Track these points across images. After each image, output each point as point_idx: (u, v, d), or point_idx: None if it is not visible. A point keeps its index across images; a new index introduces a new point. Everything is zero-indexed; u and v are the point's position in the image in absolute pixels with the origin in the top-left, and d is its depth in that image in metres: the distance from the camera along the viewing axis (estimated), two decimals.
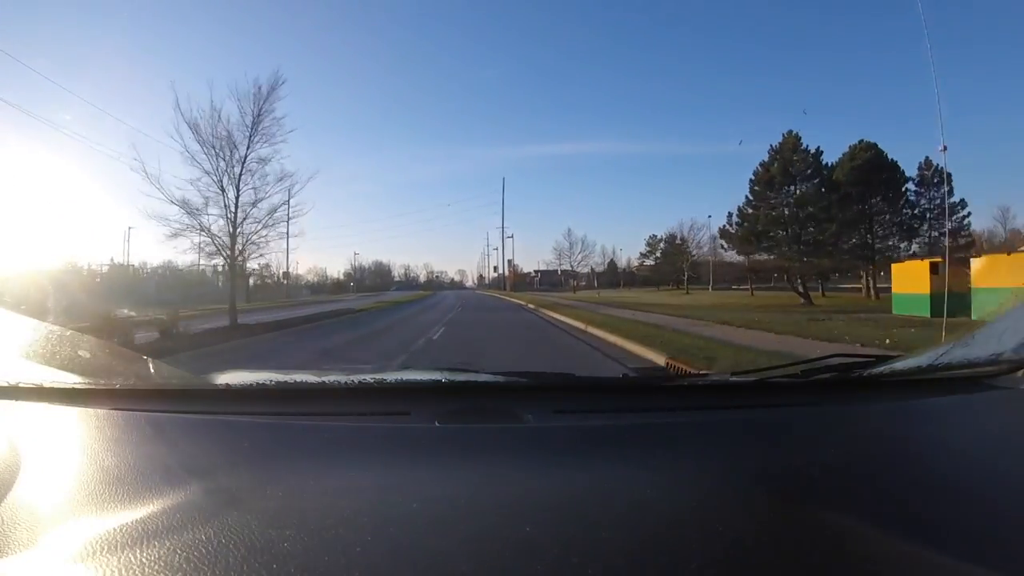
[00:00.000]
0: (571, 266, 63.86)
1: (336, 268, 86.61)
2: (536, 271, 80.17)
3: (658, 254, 63.09)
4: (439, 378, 1.02)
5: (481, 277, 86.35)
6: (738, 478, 0.65)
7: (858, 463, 0.71)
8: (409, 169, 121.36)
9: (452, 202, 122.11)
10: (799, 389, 1.03)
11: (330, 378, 1.08)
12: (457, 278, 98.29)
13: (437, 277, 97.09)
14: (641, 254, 66.88)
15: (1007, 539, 0.53)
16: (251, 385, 1.05)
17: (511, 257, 68.65)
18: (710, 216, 50.51)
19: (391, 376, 1.10)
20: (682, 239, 55.55)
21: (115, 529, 0.54)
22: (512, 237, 68.88)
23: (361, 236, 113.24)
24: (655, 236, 64.33)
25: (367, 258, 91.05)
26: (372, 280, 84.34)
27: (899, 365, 1.02)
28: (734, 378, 1.09)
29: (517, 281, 67.37)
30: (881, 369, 0.99)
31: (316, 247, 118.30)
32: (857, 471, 0.68)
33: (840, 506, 0.58)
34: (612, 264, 72.04)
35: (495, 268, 72.00)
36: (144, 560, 0.48)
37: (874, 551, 0.50)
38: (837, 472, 0.67)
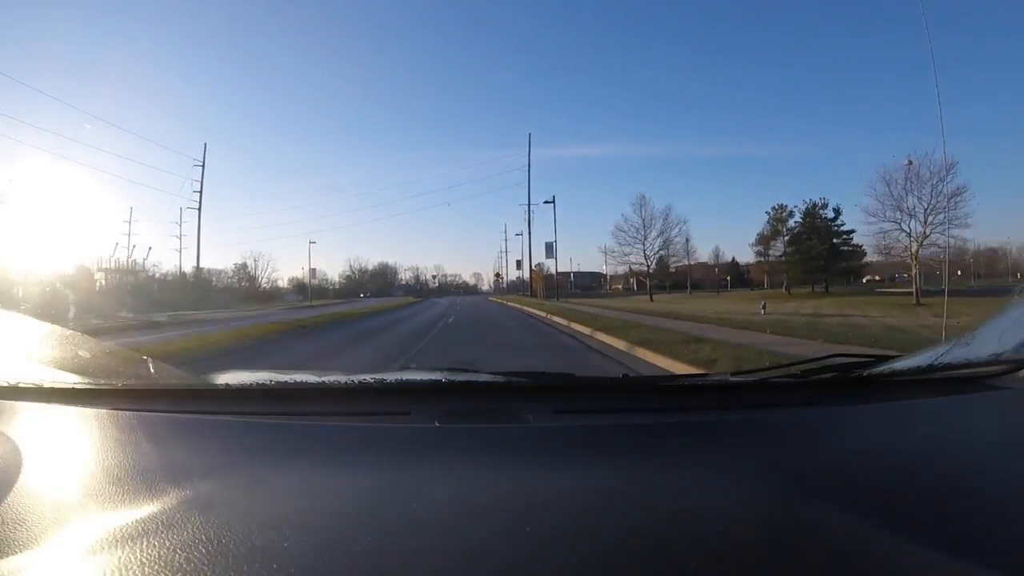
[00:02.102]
0: (645, 256, 39.77)
1: (336, 270, 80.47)
2: (558, 272, 52.62)
3: (785, 236, 39.47)
4: (439, 378, 1.02)
5: (498, 277, 67.53)
6: (738, 478, 0.65)
7: (858, 463, 0.71)
8: (423, 169, 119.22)
9: (453, 202, 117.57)
10: (799, 389, 1.03)
11: (330, 378, 1.08)
12: (472, 281, 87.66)
13: (450, 280, 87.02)
14: (762, 236, 41.37)
15: (1007, 539, 0.53)
16: (251, 385, 1.05)
17: (552, 240, 40.08)
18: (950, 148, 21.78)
19: (391, 376, 1.10)
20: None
21: (115, 529, 0.54)
22: (553, 202, 38.79)
23: (368, 236, 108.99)
24: (783, 206, 40.03)
25: (372, 260, 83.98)
26: (375, 284, 75.89)
27: (899, 365, 1.02)
28: (734, 378, 1.09)
29: (547, 284, 44.43)
30: (881, 369, 0.99)
31: (319, 248, 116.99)
32: (857, 471, 0.68)
33: (840, 506, 0.58)
34: (662, 261, 44.36)
35: (517, 263, 49.30)
36: (144, 560, 0.48)
37: (874, 551, 0.50)
38: (837, 472, 0.67)
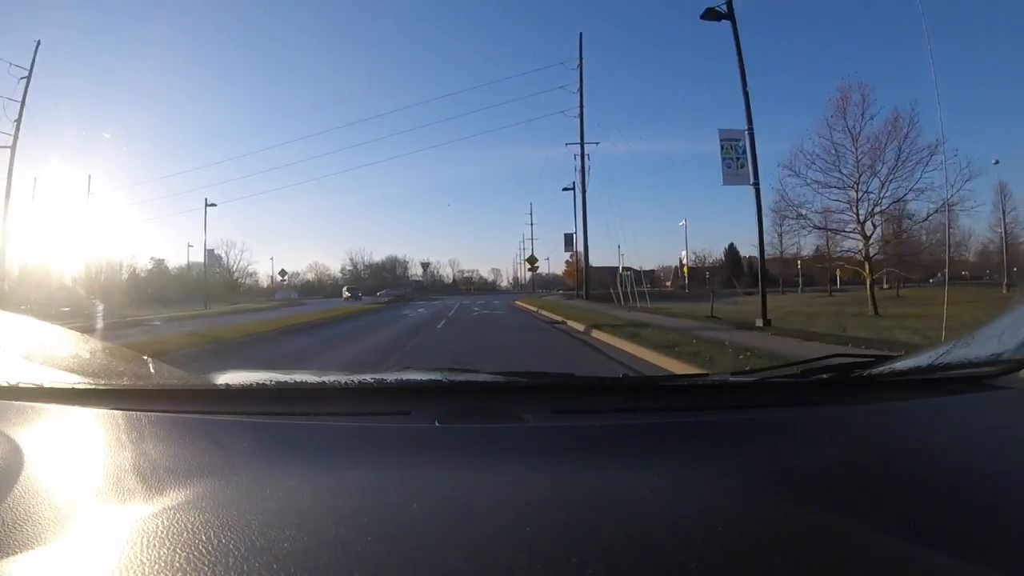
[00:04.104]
0: (858, 218, 17.22)
1: (339, 265, 71.20)
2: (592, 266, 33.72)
3: None
4: (439, 378, 1.02)
5: (532, 263, 36.97)
6: (738, 478, 0.65)
7: (858, 463, 0.71)
8: (437, 166, 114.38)
9: (452, 203, 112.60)
10: (799, 389, 1.03)
11: (330, 378, 1.08)
12: (491, 278, 77.73)
13: (466, 276, 74.78)
14: None
15: (1007, 539, 0.53)
16: (251, 385, 1.05)
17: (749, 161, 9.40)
18: None
19: (391, 376, 1.10)
20: None
21: (116, 529, 0.54)
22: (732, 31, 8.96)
23: (377, 232, 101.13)
24: None
25: (379, 253, 72.39)
26: (378, 279, 60.69)
27: (899, 365, 1.02)
28: (734, 378, 1.09)
29: (580, 279, 27.94)
30: (881, 369, 0.99)
31: (319, 242, 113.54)
32: (857, 471, 0.68)
33: (840, 506, 0.58)
34: (733, 251, 27.80)
35: (566, 238, 31.45)
36: (144, 560, 0.48)
37: (874, 551, 0.50)
38: (837, 472, 0.67)
